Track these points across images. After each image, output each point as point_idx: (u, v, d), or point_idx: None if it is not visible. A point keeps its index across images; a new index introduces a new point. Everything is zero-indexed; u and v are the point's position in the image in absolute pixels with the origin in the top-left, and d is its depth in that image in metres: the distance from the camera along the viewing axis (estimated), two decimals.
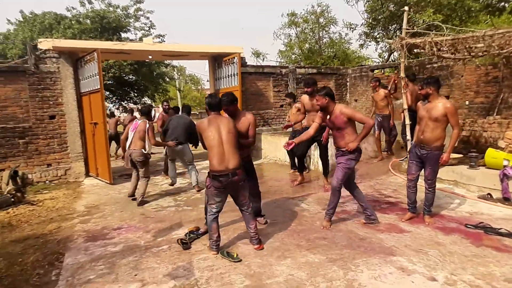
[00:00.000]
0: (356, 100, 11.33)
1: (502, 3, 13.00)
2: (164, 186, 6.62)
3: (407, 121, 5.87)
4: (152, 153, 6.09)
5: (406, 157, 6.07)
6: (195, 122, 3.59)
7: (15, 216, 5.15)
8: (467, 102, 8.31)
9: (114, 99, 20.93)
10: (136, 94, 20.38)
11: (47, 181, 7.41)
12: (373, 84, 7.58)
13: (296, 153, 5.96)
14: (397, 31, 11.05)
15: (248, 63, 9.91)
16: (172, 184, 6.52)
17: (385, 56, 12.76)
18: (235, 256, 3.36)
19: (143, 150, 5.39)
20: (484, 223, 3.87)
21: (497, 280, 2.79)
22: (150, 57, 9.02)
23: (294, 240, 3.74)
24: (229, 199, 3.67)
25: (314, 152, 6.95)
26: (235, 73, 8.14)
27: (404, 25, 5.35)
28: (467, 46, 4.74)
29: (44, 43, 7.22)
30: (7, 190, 5.90)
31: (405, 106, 5.95)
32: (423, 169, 4.06)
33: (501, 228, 3.69)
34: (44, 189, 6.91)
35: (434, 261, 3.15)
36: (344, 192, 5.39)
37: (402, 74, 5.77)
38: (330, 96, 3.86)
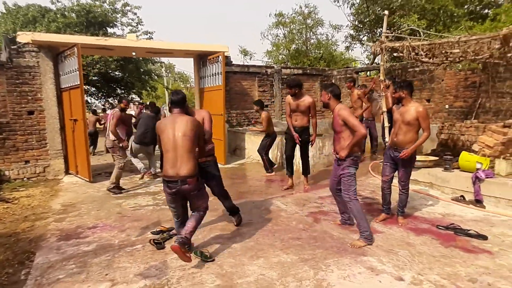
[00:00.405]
0: (341, 101, 11.41)
1: (485, 10, 13.32)
2: (144, 185, 6.57)
3: (386, 123, 5.96)
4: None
5: None
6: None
7: None
8: (446, 106, 8.48)
9: (100, 95, 20.66)
10: (123, 91, 20.14)
11: (24, 178, 7.27)
12: (348, 85, 7.72)
13: (285, 154, 5.94)
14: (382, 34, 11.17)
15: (234, 62, 9.91)
16: (142, 175, 6.91)
17: (371, 58, 12.93)
18: (208, 256, 3.35)
19: (111, 138, 5.94)
20: (455, 224, 3.97)
21: (461, 280, 2.86)
22: (133, 53, 8.91)
23: (269, 240, 3.76)
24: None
25: (296, 152, 6.99)
26: (219, 72, 8.12)
27: (384, 29, 5.44)
28: (443, 52, 4.84)
29: (23, 36, 7.06)
30: None
31: (385, 109, 6.04)
32: (397, 171, 4.13)
33: (470, 230, 3.79)
34: (21, 186, 6.76)
35: (403, 261, 3.21)
36: (324, 193, 5.50)
37: (382, 77, 5.86)
38: (333, 94, 3.68)
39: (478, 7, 13.47)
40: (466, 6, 12.85)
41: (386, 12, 5.54)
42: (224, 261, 3.32)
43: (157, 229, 4.06)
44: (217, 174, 3.98)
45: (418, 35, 7.93)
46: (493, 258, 3.22)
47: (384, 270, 3.05)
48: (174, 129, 3.18)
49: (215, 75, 8.35)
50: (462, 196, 4.80)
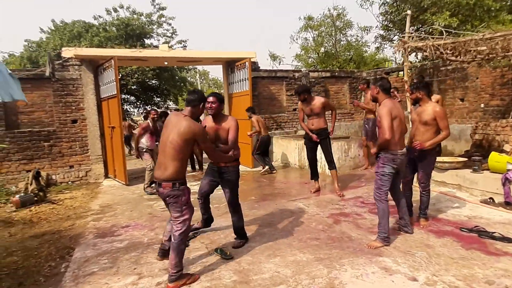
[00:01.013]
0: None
1: None
2: None
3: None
4: None
5: None
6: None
7: (36, 214, 5.58)
8: (482, 105, 8.13)
9: (138, 103, 21.74)
10: (159, 99, 21.08)
11: (69, 182, 7.91)
12: (361, 87, 7.53)
13: (307, 158, 5.87)
14: (415, 32, 10.89)
15: (262, 67, 10.11)
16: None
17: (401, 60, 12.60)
18: (227, 253, 3.55)
19: (140, 144, 6.65)
20: (479, 227, 3.87)
21: (478, 281, 2.82)
22: (166, 63, 9.40)
23: (287, 240, 3.88)
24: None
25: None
26: (246, 77, 8.35)
27: (407, 29, 5.38)
28: (469, 50, 4.72)
29: (67, 52, 7.73)
30: (30, 190, 6.38)
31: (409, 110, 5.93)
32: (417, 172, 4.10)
33: (495, 232, 3.68)
34: (66, 189, 7.38)
35: (419, 262, 3.21)
36: (348, 195, 5.52)
37: (406, 78, 5.78)
38: (382, 88, 3.63)
39: None
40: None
41: (409, 12, 5.49)
42: (243, 258, 3.49)
43: None
44: (232, 180, 3.77)
45: (450, 33, 7.72)
46: None
47: (399, 271, 3.08)
48: (169, 132, 3.03)
49: (243, 81, 8.59)
50: (491, 198, 4.64)
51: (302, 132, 9.44)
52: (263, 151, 7.87)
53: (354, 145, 7.32)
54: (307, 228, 4.23)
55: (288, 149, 8.27)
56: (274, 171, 7.71)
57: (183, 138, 2.94)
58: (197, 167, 8.58)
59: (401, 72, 11.23)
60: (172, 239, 3.05)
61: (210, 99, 3.58)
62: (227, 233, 4.19)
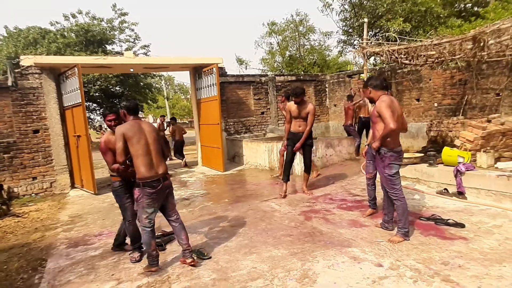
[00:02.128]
0: (335, 105, 11.76)
1: (476, 8, 13.67)
2: None
3: None
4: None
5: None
6: (119, 129, 3.29)
7: (0, 228, 5.36)
8: (435, 104, 8.77)
9: (101, 111, 21.10)
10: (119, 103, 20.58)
11: (32, 194, 7.60)
12: (281, 99, 7.70)
13: (286, 158, 5.87)
14: (373, 38, 11.56)
15: (230, 72, 10.29)
16: None
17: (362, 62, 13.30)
18: (205, 254, 3.65)
19: None
20: (436, 215, 4.24)
21: (435, 263, 3.13)
22: (131, 70, 9.30)
23: (262, 238, 4.04)
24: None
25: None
26: (214, 83, 8.45)
27: (365, 36, 5.77)
28: (420, 54, 5.15)
29: (26, 60, 7.47)
30: None
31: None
32: None
33: (449, 219, 4.05)
34: (30, 201, 7.10)
35: (384, 250, 3.48)
36: (317, 193, 5.79)
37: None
38: (373, 86, 3.69)
39: (467, 5, 13.86)
40: (456, 5, 13.23)
41: (366, 19, 5.89)
42: (220, 258, 3.61)
43: (159, 233, 4.35)
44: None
45: (403, 39, 8.28)
46: (467, 244, 3.48)
47: (366, 259, 3.33)
48: (145, 135, 3.31)
49: (211, 86, 8.69)
50: (445, 189, 5.07)
51: (270, 135, 9.70)
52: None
53: (322, 145, 7.64)
54: (280, 225, 4.41)
55: (258, 152, 8.47)
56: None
57: (160, 135, 3.47)
58: None
59: (362, 75, 11.84)
60: (178, 223, 3.51)
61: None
62: (202, 235, 4.28)
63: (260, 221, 4.65)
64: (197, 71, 9.22)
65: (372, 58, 12.41)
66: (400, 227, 3.69)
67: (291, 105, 5.58)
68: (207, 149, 9.23)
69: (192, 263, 3.42)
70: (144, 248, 3.47)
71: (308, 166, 5.77)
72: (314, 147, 7.50)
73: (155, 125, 9.22)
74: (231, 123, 10.16)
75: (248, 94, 10.48)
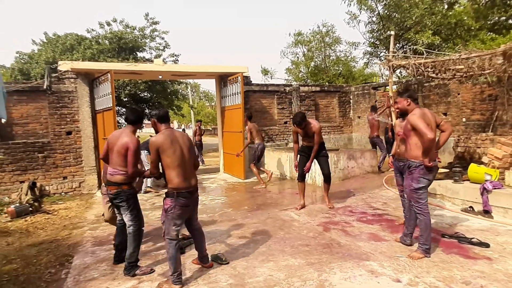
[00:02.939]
0: (359, 117, 11.65)
1: (510, 21, 13.24)
2: None
3: None
4: None
5: None
6: (154, 142, 3.24)
7: (32, 224, 5.66)
8: (463, 119, 8.53)
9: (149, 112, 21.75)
10: (150, 111, 21.21)
11: (62, 193, 7.97)
12: (245, 120, 7.88)
13: (298, 171, 5.78)
14: (400, 50, 11.42)
15: (254, 82, 10.43)
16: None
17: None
18: (223, 259, 3.72)
19: None
20: (460, 233, 4.13)
21: (456, 282, 3.06)
22: (160, 76, 9.63)
23: (279, 246, 4.07)
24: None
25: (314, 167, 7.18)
26: (238, 91, 8.62)
27: (391, 48, 5.75)
28: (448, 68, 5.07)
29: (63, 65, 7.91)
30: (25, 200, 6.44)
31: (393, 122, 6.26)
32: None
33: (473, 238, 3.94)
34: (59, 200, 7.44)
35: (403, 265, 3.43)
36: (337, 204, 5.76)
37: (391, 93, 6.11)
38: (412, 98, 3.63)
39: (502, 18, 13.43)
40: (489, 18, 12.86)
41: (392, 32, 5.87)
42: (238, 264, 3.67)
43: (180, 237, 4.46)
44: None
45: (431, 52, 8.15)
46: (491, 264, 3.38)
47: (384, 273, 3.29)
48: (180, 145, 3.28)
49: (235, 95, 8.86)
50: (471, 207, 4.92)
51: (292, 145, 9.72)
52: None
53: (343, 157, 7.60)
54: (299, 235, 4.43)
55: (280, 161, 8.51)
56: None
57: (192, 146, 3.46)
58: None
59: (388, 87, 11.70)
60: (199, 231, 3.60)
61: None
62: (221, 240, 4.36)
63: (279, 229, 4.68)
64: (223, 79, 9.43)
65: (399, 70, 12.28)
66: (422, 243, 3.62)
67: (294, 127, 5.54)
68: (229, 156, 9.36)
69: (210, 266, 3.59)
70: (170, 262, 3.25)
71: (327, 176, 5.68)
72: (336, 158, 7.51)
73: (190, 131, 9.44)
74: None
75: (272, 103, 10.57)
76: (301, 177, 5.77)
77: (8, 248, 4.56)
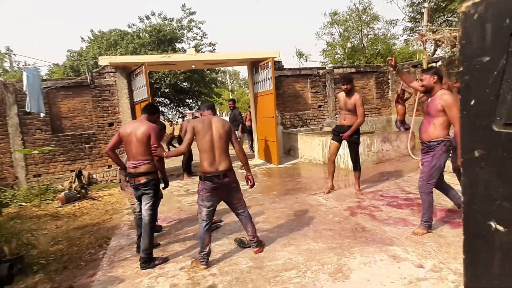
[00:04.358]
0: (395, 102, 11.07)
1: None
2: None
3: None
4: None
5: None
6: (191, 122, 3.53)
7: (79, 209, 6.17)
8: None
9: (171, 105, 22.61)
10: (191, 100, 21.84)
11: (108, 180, 8.55)
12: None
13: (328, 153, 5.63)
14: (443, 24, 10.62)
15: (286, 66, 10.31)
16: None
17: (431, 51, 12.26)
18: (246, 243, 3.81)
19: None
20: None
21: None
22: (193, 66, 9.85)
23: (303, 231, 4.09)
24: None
25: (344, 151, 7.07)
26: (270, 77, 8.57)
27: (425, 22, 5.37)
28: None
29: (103, 60, 8.37)
30: (74, 187, 7.02)
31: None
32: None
33: None
34: (105, 187, 8.01)
35: (429, 251, 3.30)
36: (366, 189, 5.61)
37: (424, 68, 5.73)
38: (439, 76, 3.56)
39: None
40: None
41: (426, 4, 5.46)
42: None
43: None
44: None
45: None
46: None
47: (407, 258, 3.19)
48: (212, 131, 3.42)
49: (267, 80, 8.82)
50: None
51: (326, 129, 9.55)
52: None
53: (377, 139, 7.33)
54: (323, 220, 4.41)
55: (312, 145, 8.41)
56: None
57: (228, 133, 3.48)
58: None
59: (433, 64, 10.98)
60: (243, 216, 3.63)
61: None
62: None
63: (304, 214, 4.68)
64: (254, 65, 9.42)
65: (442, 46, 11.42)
66: (425, 220, 3.70)
67: (340, 95, 5.37)
68: (262, 142, 9.42)
69: (259, 251, 3.61)
70: (199, 241, 3.43)
71: (355, 162, 5.42)
72: (369, 141, 7.25)
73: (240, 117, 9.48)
74: (288, 117, 10.20)
75: (305, 87, 10.40)
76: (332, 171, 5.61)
77: (56, 231, 5.03)
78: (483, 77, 0.75)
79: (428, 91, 3.64)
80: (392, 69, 4.18)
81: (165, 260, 3.64)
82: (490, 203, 0.79)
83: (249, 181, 3.66)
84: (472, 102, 0.77)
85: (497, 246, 0.80)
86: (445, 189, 3.98)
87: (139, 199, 3.75)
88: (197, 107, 22.92)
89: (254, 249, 3.64)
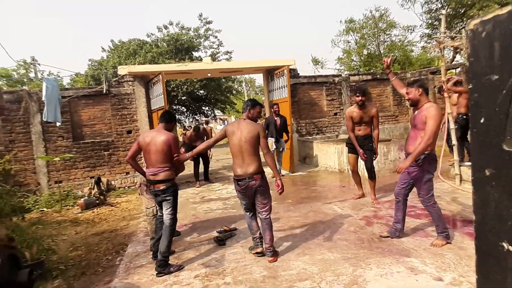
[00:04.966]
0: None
1: None
2: (218, 191, 7.35)
3: (452, 125, 5.71)
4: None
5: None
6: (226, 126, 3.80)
7: (97, 215, 6.31)
8: None
9: (187, 113, 22.91)
10: (207, 107, 22.09)
11: (126, 187, 8.71)
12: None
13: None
14: (462, 30, 10.42)
15: (302, 74, 10.32)
16: None
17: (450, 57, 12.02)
18: (223, 239, 3.90)
19: None
20: None
21: None
22: (209, 74, 10.00)
23: (317, 240, 4.05)
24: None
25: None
26: (285, 85, 8.60)
27: (442, 29, 5.27)
28: None
29: (122, 69, 8.59)
30: (93, 194, 7.18)
31: (449, 110, 5.78)
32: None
33: None
34: (123, 193, 8.15)
35: (448, 263, 3.21)
36: (383, 198, 5.52)
37: (443, 78, 5.64)
38: (424, 88, 3.57)
39: None
40: None
41: (444, 11, 5.39)
42: None
43: (222, 229, 4.66)
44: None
45: None
46: None
47: (425, 271, 3.12)
48: (240, 135, 3.58)
49: (282, 88, 8.85)
50: None
51: (342, 137, 9.48)
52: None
53: (394, 147, 7.21)
54: (339, 229, 4.36)
55: (328, 153, 8.36)
56: None
57: (255, 137, 3.56)
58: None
59: (452, 70, 10.76)
60: (264, 222, 3.69)
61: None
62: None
63: (319, 223, 4.64)
64: (270, 73, 9.47)
65: (461, 52, 11.18)
66: (442, 231, 3.63)
67: (351, 110, 5.28)
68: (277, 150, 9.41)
69: (273, 261, 3.59)
70: (249, 230, 3.84)
71: (370, 171, 5.37)
72: (385, 149, 7.16)
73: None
74: (303, 124, 10.18)
75: (321, 95, 10.37)
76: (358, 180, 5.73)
77: (76, 237, 5.16)
78: (492, 96, 0.74)
79: (415, 104, 3.64)
80: (385, 70, 4.14)
81: (180, 267, 3.67)
82: (501, 223, 0.78)
83: (278, 187, 3.68)
84: (482, 120, 0.77)
85: (510, 267, 0.79)
86: (404, 203, 3.85)
87: (159, 204, 3.87)
88: (212, 114, 23.19)
89: (269, 258, 3.63)
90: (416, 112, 3.61)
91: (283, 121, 7.85)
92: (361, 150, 5.30)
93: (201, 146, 4.03)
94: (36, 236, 4.89)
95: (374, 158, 5.44)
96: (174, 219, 3.76)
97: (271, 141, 7.53)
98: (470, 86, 0.81)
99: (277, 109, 7.85)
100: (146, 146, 3.76)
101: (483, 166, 0.79)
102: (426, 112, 3.43)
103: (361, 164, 6.52)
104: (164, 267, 3.56)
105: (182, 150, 6.01)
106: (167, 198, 3.73)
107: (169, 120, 3.92)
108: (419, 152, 3.41)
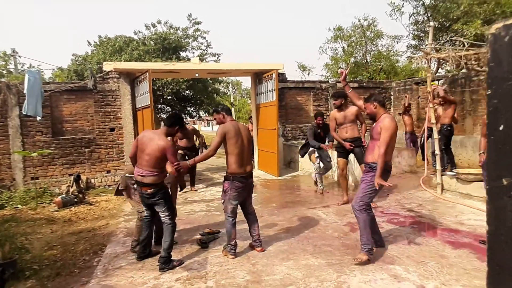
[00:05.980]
0: (400, 114, 11.09)
1: None
2: (202, 193, 7.24)
3: (436, 135, 5.82)
4: None
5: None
6: (223, 128, 3.76)
7: (75, 214, 6.09)
8: None
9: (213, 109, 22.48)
10: (192, 108, 21.88)
11: (106, 186, 8.47)
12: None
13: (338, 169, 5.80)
14: (447, 43, 10.70)
15: (291, 78, 10.34)
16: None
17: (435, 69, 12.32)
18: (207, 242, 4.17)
19: None
20: None
21: None
22: (197, 75, 9.87)
23: (302, 245, 4.02)
24: None
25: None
26: (273, 88, 8.59)
27: (430, 40, 5.38)
28: None
29: (107, 66, 8.39)
30: (71, 192, 6.95)
31: (433, 120, 5.89)
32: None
33: None
34: (103, 192, 7.92)
35: (430, 271, 3.23)
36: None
37: (429, 89, 5.75)
38: (378, 102, 3.64)
39: None
40: None
41: (431, 23, 5.50)
42: (258, 261, 3.68)
43: (205, 231, 4.57)
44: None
45: (479, 44, 7.53)
46: None
47: (408, 278, 3.13)
48: (242, 135, 3.80)
49: (270, 92, 8.84)
50: None
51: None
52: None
53: None
54: (323, 235, 4.34)
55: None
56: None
57: (252, 139, 3.95)
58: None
59: (434, 81, 11.02)
60: (252, 215, 3.99)
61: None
62: (245, 237, 4.38)
63: (304, 228, 4.62)
64: (258, 76, 9.44)
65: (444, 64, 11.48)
66: (365, 243, 3.50)
67: (333, 113, 5.53)
68: (263, 153, 9.39)
69: (261, 251, 3.87)
70: (227, 235, 3.85)
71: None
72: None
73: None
74: (289, 129, 10.19)
75: (308, 100, 10.41)
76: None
77: (51, 236, 4.95)
78: None
79: (373, 118, 3.73)
80: (341, 82, 4.19)
81: (181, 262, 3.71)
82: None
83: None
84: (501, 128, 0.74)
85: None
86: (376, 233, 3.81)
87: (147, 206, 3.83)
88: (197, 115, 22.98)
89: (257, 249, 3.88)
90: (374, 124, 3.70)
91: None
92: (347, 143, 5.37)
93: (200, 158, 3.98)
94: (8, 234, 4.67)
95: (364, 147, 5.47)
96: (171, 218, 3.77)
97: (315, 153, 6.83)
98: (489, 92, 0.78)
99: (320, 121, 6.70)
100: (141, 146, 3.71)
101: (500, 176, 0.76)
102: (381, 123, 3.53)
103: (350, 168, 6.58)
104: (167, 263, 3.59)
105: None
106: (158, 201, 3.71)
107: (170, 124, 3.79)
108: (382, 164, 3.40)
